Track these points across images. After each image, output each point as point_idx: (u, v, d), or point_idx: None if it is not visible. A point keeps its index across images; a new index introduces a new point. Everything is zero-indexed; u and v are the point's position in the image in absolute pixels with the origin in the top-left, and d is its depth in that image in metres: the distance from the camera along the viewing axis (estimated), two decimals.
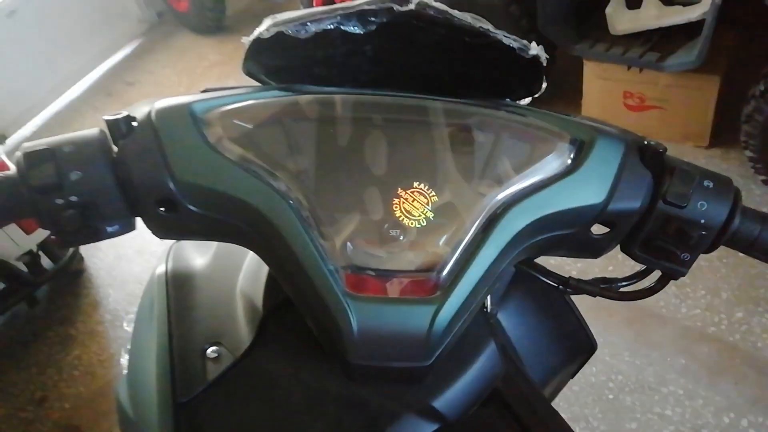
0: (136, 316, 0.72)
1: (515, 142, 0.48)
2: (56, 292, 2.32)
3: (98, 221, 0.46)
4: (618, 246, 0.52)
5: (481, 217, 0.45)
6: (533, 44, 0.48)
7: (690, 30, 2.02)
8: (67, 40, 3.67)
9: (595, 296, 0.56)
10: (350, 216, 0.44)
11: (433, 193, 0.45)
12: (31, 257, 1.95)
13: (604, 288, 0.56)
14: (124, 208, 0.46)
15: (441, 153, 0.46)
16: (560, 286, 0.56)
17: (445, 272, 0.44)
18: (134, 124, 0.45)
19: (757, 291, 1.89)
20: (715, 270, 1.95)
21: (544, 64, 0.49)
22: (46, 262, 2.04)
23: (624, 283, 0.57)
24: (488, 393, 0.55)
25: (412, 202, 0.44)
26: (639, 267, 0.55)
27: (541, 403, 0.56)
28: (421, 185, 0.45)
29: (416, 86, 0.54)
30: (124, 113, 0.45)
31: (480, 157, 0.47)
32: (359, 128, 0.46)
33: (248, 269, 0.64)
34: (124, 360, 0.71)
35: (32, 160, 0.44)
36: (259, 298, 0.60)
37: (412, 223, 0.44)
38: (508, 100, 0.56)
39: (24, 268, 1.95)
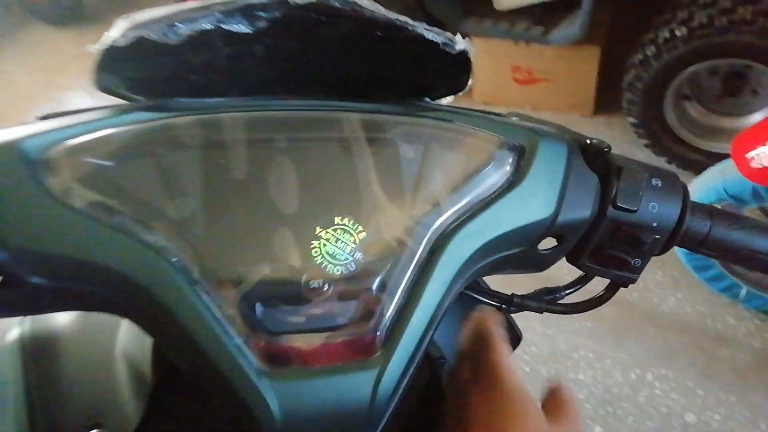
0: None
1: (447, 153, 0.40)
2: None
3: None
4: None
5: (420, 251, 0.37)
6: (458, 37, 0.41)
7: (571, 4, 2.07)
8: None
9: (542, 313, 0.51)
10: (256, 269, 0.35)
11: (360, 228, 0.36)
12: None
13: (551, 303, 0.51)
14: None
15: (363, 176, 0.38)
16: (503, 306, 0.50)
17: (384, 324, 0.36)
18: None
19: None
20: None
21: (472, 58, 0.42)
22: None
23: (567, 291, 0.52)
24: None
25: (336, 242, 0.36)
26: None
27: None
28: (345, 220, 0.36)
29: (317, 89, 0.45)
30: None
31: (409, 176, 0.39)
32: (257, 154, 0.37)
33: (129, 326, 0.53)
34: None
35: None
36: (145, 363, 0.49)
37: (337, 270, 0.36)
38: (427, 100, 0.49)
39: None
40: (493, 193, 0.40)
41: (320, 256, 0.35)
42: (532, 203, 0.40)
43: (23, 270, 0.33)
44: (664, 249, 0.46)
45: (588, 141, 0.44)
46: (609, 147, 0.44)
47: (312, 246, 0.35)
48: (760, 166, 1.34)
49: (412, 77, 0.46)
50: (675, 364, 1.56)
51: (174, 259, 0.34)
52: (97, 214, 0.33)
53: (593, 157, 0.43)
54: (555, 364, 1.74)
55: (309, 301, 0.35)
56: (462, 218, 0.38)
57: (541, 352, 1.77)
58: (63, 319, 0.57)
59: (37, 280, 0.34)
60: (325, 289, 0.36)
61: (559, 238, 0.44)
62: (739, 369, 1.54)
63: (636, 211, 0.43)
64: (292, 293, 0.35)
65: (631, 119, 2.09)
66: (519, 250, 0.43)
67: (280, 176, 0.36)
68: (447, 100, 0.49)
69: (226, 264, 0.35)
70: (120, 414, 0.49)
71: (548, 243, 0.45)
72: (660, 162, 2.18)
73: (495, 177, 0.40)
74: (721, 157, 1.94)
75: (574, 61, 2.34)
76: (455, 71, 0.44)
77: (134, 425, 0.46)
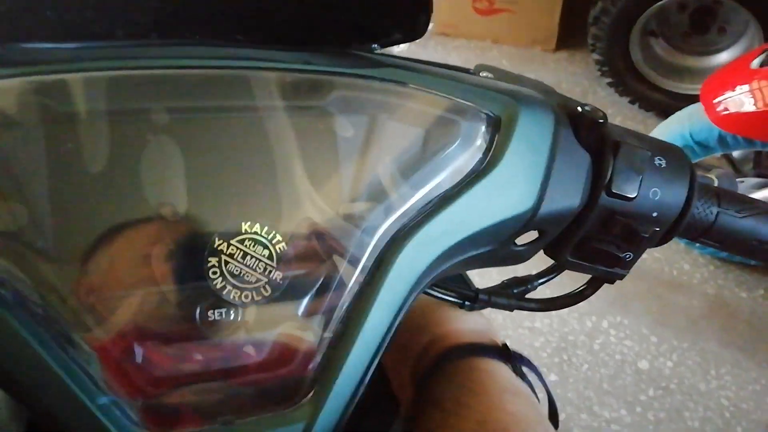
0: None
1: (399, 128, 0.30)
2: None
3: None
4: None
5: (362, 263, 0.28)
6: None
7: None
8: None
9: (512, 311, 0.43)
10: (129, 298, 0.25)
11: (277, 237, 0.26)
12: None
13: (521, 298, 0.43)
14: None
15: (283, 164, 0.27)
16: (466, 303, 0.42)
17: (314, 362, 0.27)
18: None
19: None
20: None
21: None
22: None
23: (540, 281, 0.44)
24: None
25: (243, 258, 0.26)
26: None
27: None
28: (256, 227, 0.26)
29: (224, 31, 0.33)
30: None
31: (347, 161, 0.29)
32: (125, 133, 0.25)
33: None
34: None
35: None
36: None
37: (246, 296, 0.26)
38: (375, 47, 0.37)
39: None
40: (460, 181, 0.30)
41: (220, 278, 0.26)
42: (509, 193, 0.31)
43: None
44: (662, 241, 0.38)
45: (579, 109, 0.34)
46: (605, 117, 0.34)
47: (209, 264, 0.25)
48: (728, 112, 1.28)
49: (356, 17, 0.35)
50: (630, 311, 1.55)
51: (2, 290, 0.23)
52: None
53: (585, 130, 0.34)
54: (511, 313, 1.71)
55: (206, 339, 0.26)
56: (419, 218, 0.29)
57: None
58: None
59: None
60: (230, 319, 0.26)
61: (540, 232, 0.35)
62: (692, 316, 1.55)
63: (634, 198, 0.34)
64: (182, 329, 0.26)
65: (596, 56, 2.00)
66: (489, 249, 0.34)
67: (159, 166, 0.25)
68: (400, 48, 0.38)
69: (83, 291, 0.24)
70: None
71: (525, 236, 0.36)
72: (622, 102, 2.12)
73: (462, 160, 0.31)
74: (684, 97, 1.89)
75: None
76: (412, 11, 0.33)
77: None
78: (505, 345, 0.41)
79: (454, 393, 0.36)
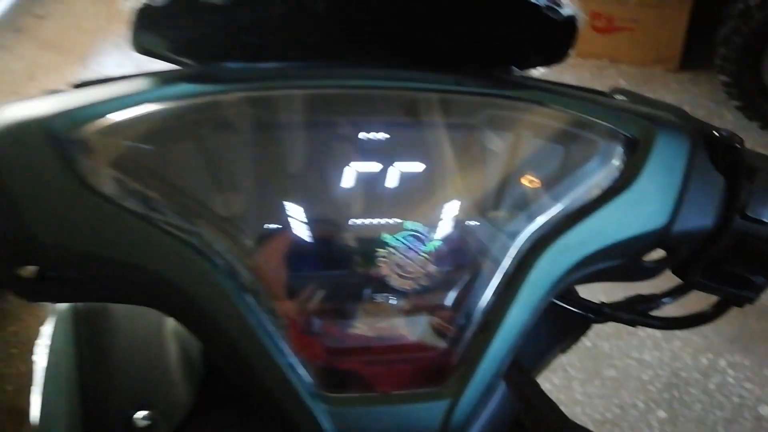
0: (49, 358, 0.57)
1: (542, 145, 0.34)
2: None
3: None
4: None
5: (505, 263, 0.31)
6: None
7: None
8: None
9: (635, 326, 0.44)
10: (314, 278, 0.30)
11: (434, 234, 0.31)
12: None
13: (645, 315, 0.44)
14: None
15: (440, 172, 0.31)
16: (590, 315, 0.44)
17: (459, 347, 0.31)
18: None
19: None
20: None
21: (580, 26, 0.34)
22: None
23: (665, 300, 0.45)
24: None
25: (406, 252, 0.30)
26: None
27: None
28: (416, 225, 0.30)
29: (383, 52, 0.38)
30: None
31: (494, 172, 0.32)
32: (321, 141, 0.31)
33: None
34: (36, 408, 0.56)
35: None
36: (196, 346, 0.46)
37: (406, 284, 0.30)
38: (515, 69, 0.41)
39: None
40: (598, 196, 0.33)
41: (387, 267, 0.30)
42: (644, 210, 0.33)
43: (55, 265, 0.30)
44: None
45: (716, 133, 0.36)
46: (741, 142, 0.35)
47: (377, 254, 0.30)
48: None
49: (502, 42, 0.39)
50: (752, 352, 1.44)
51: (218, 262, 0.29)
52: (134, 206, 0.29)
53: (721, 154, 0.35)
54: (618, 341, 1.64)
55: (372, 317, 0.31)
56: (558, 227, 0.32)
57: (605, 327, 1.67)
58: None
59: (71, 274, 0.30)
60: (391, 304, 0.30)
61: (670, 250, 0.37)
62: None
63: None
64: (353, 307, 0.30)
65: (723, 77, 1.89)
66: (618, 263, 0.36)
67: (343, 170, 0.30)
68: (540, 72, 0.42)
69: (280, 271, 0.30)
70: (169, 397, 0.46)
71: (654, 252, 0.38)
72: (751, 127, 1.98)
73: (600, 176, 0.33)
74: None
75: (661, 8, 2.13)
76: (556, 40, 0.36)
77: (183, 410, 0.44)
78: None
79: None
